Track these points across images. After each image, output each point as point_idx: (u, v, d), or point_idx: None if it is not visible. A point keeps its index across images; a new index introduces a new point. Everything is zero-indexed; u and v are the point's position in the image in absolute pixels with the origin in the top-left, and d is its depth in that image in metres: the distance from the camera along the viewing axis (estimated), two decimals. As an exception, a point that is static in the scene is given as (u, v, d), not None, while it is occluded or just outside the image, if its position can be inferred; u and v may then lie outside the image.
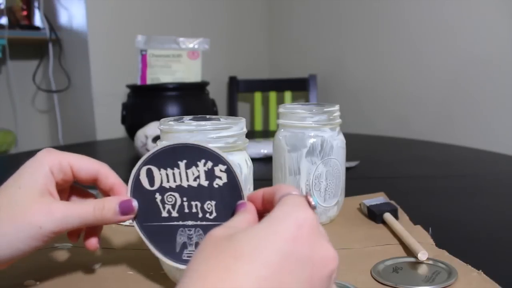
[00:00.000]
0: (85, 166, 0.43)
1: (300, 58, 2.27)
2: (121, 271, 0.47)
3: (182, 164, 0.40)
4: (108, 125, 1.74)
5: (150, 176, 0.41)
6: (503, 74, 1.56)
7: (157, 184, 0.41)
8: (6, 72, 1.89)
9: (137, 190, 0.42)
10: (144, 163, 0.41)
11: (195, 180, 0.40)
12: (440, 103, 1.74)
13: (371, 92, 1.98)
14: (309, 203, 0.31)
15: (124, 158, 1.12)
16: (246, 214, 0.35)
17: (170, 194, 0.41)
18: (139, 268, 0.48)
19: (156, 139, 0.92)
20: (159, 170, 0.40)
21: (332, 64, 2.12)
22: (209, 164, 0.40)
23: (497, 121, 1.59)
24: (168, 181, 0.40)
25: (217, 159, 0.40)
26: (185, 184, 0.40)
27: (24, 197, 0.39)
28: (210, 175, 0.40)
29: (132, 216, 0.42)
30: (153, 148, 0.41)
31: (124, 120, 1.18)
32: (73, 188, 0.46)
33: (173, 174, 0.40)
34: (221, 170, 0.40)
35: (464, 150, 1.12)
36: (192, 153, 0.40)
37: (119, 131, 1.54)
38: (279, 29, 2.34)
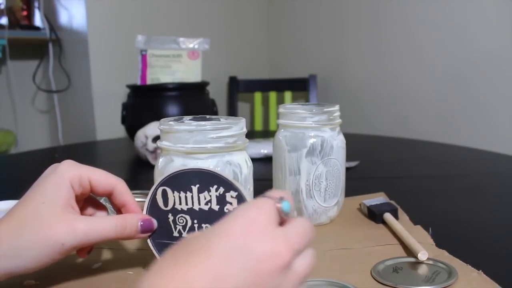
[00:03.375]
0: (103, 181, 0.44)
1: (300, 58, 2.26)
2: (121, 271, 0.48)
3: (195, 188, 0.41)
4: (108, 125, 1.74)
5: (165, 196, 0.43)
6: (503, 74, 1.56)
7: (170, 205, 0.42)
8: (6, 72, 1.89)
9: (153, 208, 0.44)
10: (161, 184, 0.43)
11: (206, 204, 0.41)
12: (440, 103, 1.74)
13: (371, 92, 1.98)
14: (279, 209, 0.32)
15: (124, 158, 1.12)
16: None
17: (182, 216, 0.42)
18: (139, 268, 0.48)
19: (156, 139, 0.92)
20: (173, 192, 0.42)
21: (332, 64, 2.12)
22: (221, 190, 0.41)
23: (497, 121, 1.59)
24: (180, 204, 0.41)
25: (229, 186, 0.41)
26: (196, 207, 0.41)
27: (48, 212, 0.40)
28: (221, 200, 0.41)
29: (150, 233, 0.44)
30: (167, 172, 0.43)
31: (124, 120, 1.18)
32: (87, 198, 0.47)
33: (186, 197, 0.41)
34: (232, 196, 0.41)
35: (464, 150, 1.12)
36: (205, 178, 0.41)
37: (119, 131, 1.54)
38: (279, 29, 2.34)
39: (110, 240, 0.43)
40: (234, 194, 0.40)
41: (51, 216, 0.40)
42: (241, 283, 0.28)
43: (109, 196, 0.45)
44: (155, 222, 0.44)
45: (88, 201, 0.47)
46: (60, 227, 0.40)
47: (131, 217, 0.43)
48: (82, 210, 0.46)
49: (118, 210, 0.46)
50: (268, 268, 0.29)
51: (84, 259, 0.50)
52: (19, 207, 0.42)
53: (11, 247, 0.39)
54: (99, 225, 0.41)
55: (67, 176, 0.42)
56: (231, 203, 0.41)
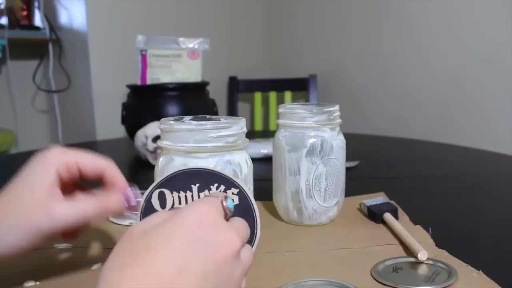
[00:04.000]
0: (91, 165, 0.44)
1: (300, 58, 2.26)
2: (121, 271, 0.47)
3: (195, 187, 0.40)
4: (108, 125, 1.74)
5: (162, 198, 0.42)
6: (503, 74, 1.56)
7: (168, 206, 0.41)
8: (6, 72, 1.89)
9: (148, 212, 0.42)
10: (157, 187, 0.42)
11: None
12: (440, 103, 1.74)
13: (371, 92, 1.98)
14: (224, 206, 0.36)
15: (124, 158, 1.12)
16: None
17: None
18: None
19: (156, 139, 0.92)
20: (172, 193, 0.41)
21: (332, 64, 2.12)
22: (222, 187, 0.40)
23: (497, 121, 1.59)
24: (180, 203, 0.41)
25: (229, 183, 0.40)
26: None
27: (28, 197, 0.40)
28: None
29: (134, 205, 0.43)
30: (167, 172, 0.42)
31: (124, 120, 1.17)
32: (77, 184, 0.47)
33: (185, 196, 0.41)
34: (233, 193, 0.40)
35: (464, 150, 1.12)
36: (205, 177, 0.40)
37: (119, 131, 1.54)
38: (279, 29, 2.34)
39: (93, 218, 0.43)
40: (235, 190, 0.40)
41: (31, 201, 0.40)
42: (203, 272, 0.30)
43: (100, 179, 0.45)
44: (134, 191, 0.44)
45: (78, 186, 0.47)
46: (38, 212, 0.40)
47: (112, 194, 0.43)
48: (71, 195, 0.45)
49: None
50: (223, 255, 0.32)
51: (84, 259, 0.51)
52: (4, 193, 0.42)
53: None
54: (78, 208, 0.41)
55: (52, 162, 0.42)
56: (232, 200, 0.41)
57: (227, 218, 0.36)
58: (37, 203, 0.40)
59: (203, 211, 0.33)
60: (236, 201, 0.41)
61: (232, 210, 0.36)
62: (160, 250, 0.30)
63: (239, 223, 0.36)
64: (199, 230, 0.32)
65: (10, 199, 0.41)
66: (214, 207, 0.34)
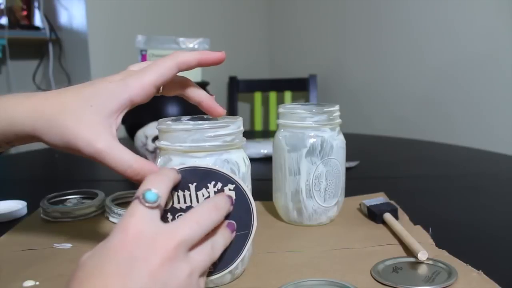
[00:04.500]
0: (170, 86, 0.46)
1: (300, 58, 2.27)
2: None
3: (192, 186, 0.40)
4: (108, 125, 1.74)
5: None
6: (503, 74, 1.56)
7: (169, 205, 0.41)
8: (6, 72, 1.89)
9: None
10: None
11: None
12: (440, 103, 1.74)
13: (371, 92, 1.98)
14: (145, 204, 0.34)
15: (124, 158, 1.12)
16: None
17: (181, 215, 0.41)
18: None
19: (156, 139, 0.92)
20: (171, 192, 0.41)
21: (332, 64, 2.12)
22: (219, 185, 0.40)
23: (497, 121, 1.59)
24: (178, 202, 0.41)
25: (226, 180, 0.41)
26: (195, 205, 0.41)
27: (90, 115, 0.41)
28: None
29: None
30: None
31: (124, 120, 1.17)
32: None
33: (184, 195, 0.41)
34: (230, 189, 0.41)
35: (464, 150, 1.12)
36: (202, 176, 0.41)
37: (119, 131, 1.54)
38: (279, 29, 2.34)
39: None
40: (232, 186, 0.40)
41: (89, 120, 0.40)
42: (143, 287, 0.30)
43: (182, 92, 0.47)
44: None
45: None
46: (84, 135, 0.40)
47: (148, 167, 0.42)
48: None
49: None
50: (156, 266, 0.31)
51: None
52: (87, 86, 0.42)
53: (49, 122, 0.40)
54: (116, 156, 0.41)
55: (128, 93, 0.43)
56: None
57: (159, 209, 0.34)
58: (90, 126, 0.41)
59: (125, 227, 0.32)
60: (233, 197, 0.41)
61: (156, 200, 0.34)
62: (95, 278, 0.30)
63: (182, 222, 0.34)
64: (125, 248, 0.31)
65: (72, 105, 0.41)
66: (135, 217, 0.33)
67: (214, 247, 0.36)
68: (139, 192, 0.35)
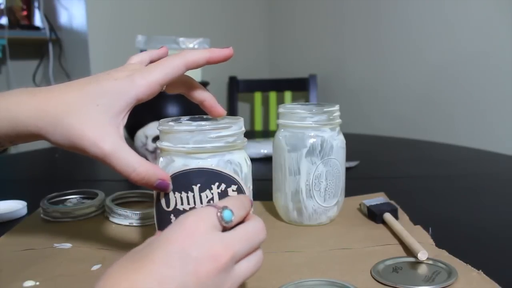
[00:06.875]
0: (174, 84, 0.46)
1: (300, 58, 2.27)
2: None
3: (196, 188, 0.41)
4: (108, 125, 1.74)
5: (166, 197, 0.42)
6: (503, 74, 1.56)
7: (172, 206, 0.41)
8: (6, 72, 1.89)
9: (158, 209, 0.44)
10: None
11: (209, 202, 0.41)
12: (440, 103, 1.74)
13: (371, 92, 1.98)
14: (219, 217, 0.34)
15: (124, 158, 1.12)
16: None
17: None
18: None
19: (156, 139, 0.92)
20: (174, 193, 0.41)
21: (332, 64, 2.12)
22: (223, 186, 0.41)
23: (497, 121, 1.59)
24: (182, 204, 0.41)
25: (229, 181, 0.41)
26: (198, 206, 0.41)
27: (96, 115, 0.40)
28: (223, 196, 0.41)
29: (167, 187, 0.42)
30: (171, 171, 0.42)
31: (124, 120, 1.17)
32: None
33: (187, 197, 0.41)
34: (233, 190, 0.41)
35: (464, 150, 1.12)
36: (205, 177, 0.41)
37: (119, 131, 1.54)
38: (279, 29, 2.34)
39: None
40: (234, 187, 0.41)
41: (95, 120, 0.40)
42: (183, 284, 0.30)
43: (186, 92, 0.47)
44: (170, 186, 0.42)
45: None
46: (90, 135, 0.39)
47: (153, 172, 0.41)
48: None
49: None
50: (206, 270, 0.31)
51: (84, 259, 0.50)
52: (91, 82, 0.42)
53: (54, 121, 0.40)
54: (122, 159, 0.40)
55: (135, 92, 0.42)
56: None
57: (226, 229, 0.34)
58: (97, 126, 0.40)
59: (189, 225, 0.33)
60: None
61: (230, 222, 0.34)
62: (142, 261, 0.31)
63: (237, 235, 0.34)
64: (182, 243, 0.31)
65: (79, 102, 0.41)
66: (203, 219, 0.33)
67: (256, 264, 0.36)
68: (220, 204, 0.35)
